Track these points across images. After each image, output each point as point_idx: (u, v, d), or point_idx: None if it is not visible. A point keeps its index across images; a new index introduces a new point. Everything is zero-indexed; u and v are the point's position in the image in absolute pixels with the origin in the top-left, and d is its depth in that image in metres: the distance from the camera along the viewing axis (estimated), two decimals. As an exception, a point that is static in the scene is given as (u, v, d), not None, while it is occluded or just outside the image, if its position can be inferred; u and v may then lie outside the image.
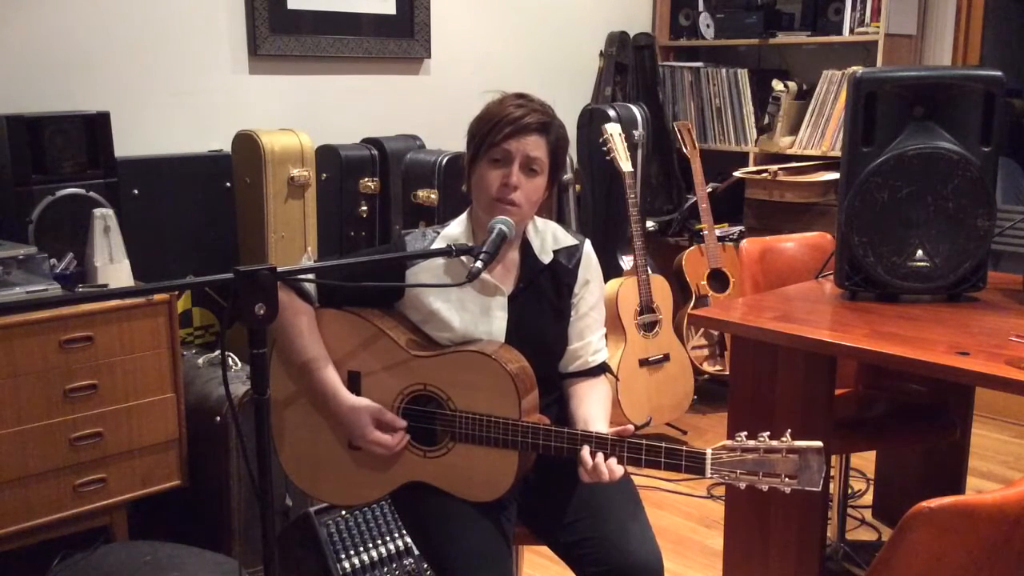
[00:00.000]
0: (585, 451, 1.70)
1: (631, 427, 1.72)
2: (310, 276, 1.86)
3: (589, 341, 1.96)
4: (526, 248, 1.92)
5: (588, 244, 1.98)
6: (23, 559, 2.44)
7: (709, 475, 1.62)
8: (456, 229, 1.91)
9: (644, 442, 1.68)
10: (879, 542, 3.01)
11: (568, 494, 1.86)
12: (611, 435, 1.71)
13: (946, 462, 2.82)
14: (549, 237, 1.95)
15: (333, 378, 1.84)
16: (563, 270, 1.93)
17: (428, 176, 3.22)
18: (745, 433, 1.60)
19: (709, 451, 1.62)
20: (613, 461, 1.69)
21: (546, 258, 1.92)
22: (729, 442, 1.61)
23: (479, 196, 1.84)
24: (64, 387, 2.32)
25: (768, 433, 1.59)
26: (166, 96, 3.04)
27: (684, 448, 1.64)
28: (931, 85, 2.26)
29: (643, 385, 3.60)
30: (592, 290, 1.96)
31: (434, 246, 1.88)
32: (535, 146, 1.80)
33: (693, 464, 1.63)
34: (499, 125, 1.79)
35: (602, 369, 1.98)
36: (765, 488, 1.59)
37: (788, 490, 1.58)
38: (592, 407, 1.87)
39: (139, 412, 2.46)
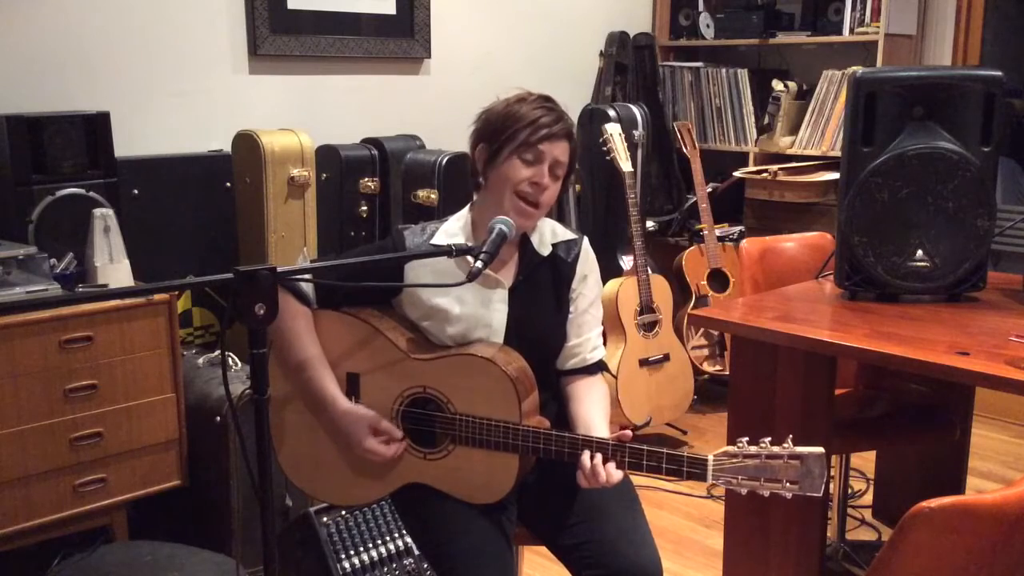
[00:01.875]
0: (585, 455, 1.70)
1: (629, 432, 1.71)
2: (309, 276, 1.86)
3: (588, 338, 1.96)
4: (525, 242, 1.92)
5: (586, 240, 1.99)
6: (23, 559, 2.44)
7: (711, 481, 1.62)
8: (456, 225, 1.91)
9: (645, 447, 1.67)
10: (879, 542, 3.01)
11: (567, 497, 1.86)
12: (612, 440, 1.71)
13: (946, 462, 2.82)
14: (548, 231, 1.95)
15: (329, 382, 1.84)
16: (562, 263, 1.94)
17: (428, 176, 3.21)
18: (747, 439, 1.60)
19: (711, 457, 1.62)
20: (612, 466, 1.69)
21: (545, 251, 1.93)
22: (731, 448, 1.61)
23: (501, 189, 1.84)
24: (64, 387, 2.32)
25: (770, 439, 1.59)
26: (166, 96, 3.04)
27: (686, 454, 1.64)
28: (931, 85, 2.26)
29: (643, 385, 3.60)
30: (590, 286, 1.97)
31: (433, 241, 1.89)
32: (563, 152, 1.84)
33: (695, 470, 1.63)
34: (535, 126, 1.81)
35: (600, 367, 1.99)
36: (767, 494, 1.59)
37: (790, 496, 1.58)
38: (592, 410, 1.87)
39: (139, 412, 2.46)
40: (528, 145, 1.81)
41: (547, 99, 1.87)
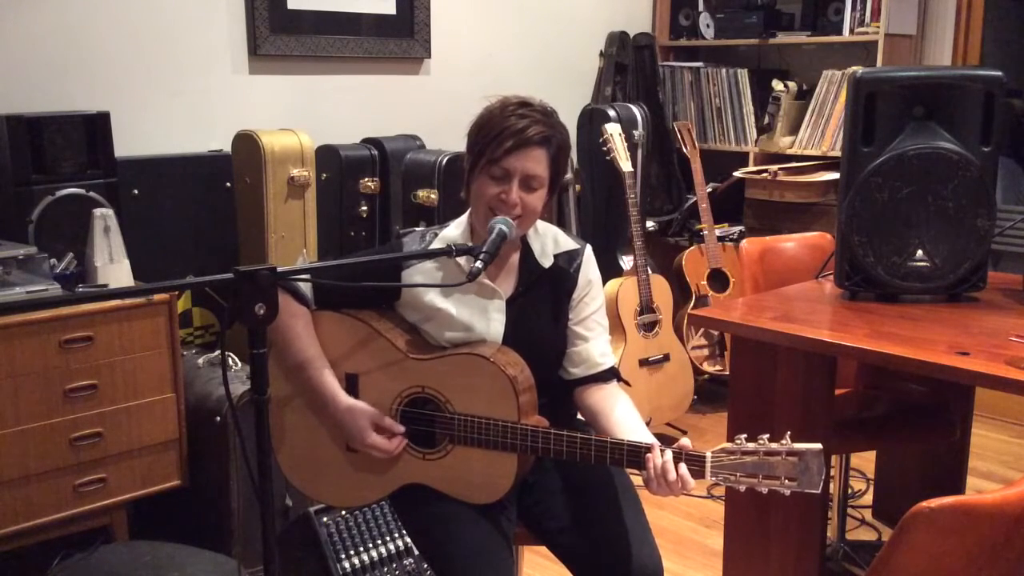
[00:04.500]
0: (652, 457, 1.63)
1: (687, 442, 1.66)
2: (308, 276, 1.86)
3: (595, 343, 1.92)
4: (527, 251, 1.91)
5: (589, 249, 1.96)
6: (23, 559, 2.44)
7: (709, 478, 1.62)
8: (455, 231, 1.90)
9: (644, 444, 1.67)
10: (879, 542, 3.01)
11: (567, 497, 1.86)
12: (611, 440, 1.71)
13: (946, 462, 2.82)
14: (550, 241, 1.93)
15: (330, 380, 1.84)
16: (563, 274, 1.91)
17: (428, 176, 3.22)
18: (745, 436, 1.60)
19: (709, 454, 1.62)
20: (683, 466, 1.62)
21: (546, 262, 1.91)
22: (729, 445, 1.61)
23: (477, 208, 1.83)
24: (64, 387, 2.32)
25: (768, 435, 1.59)
26: (166, 96, 3.04)
27: (684, 451, 1.64)
28: (931, 85, 2.26)
29: (643, 385, 3.60)
30: (594, 295, 1.94)
31: (432, 247, 1.87)
32: (536, 162, 1.77)
33: (693, 467, 1.63)
34: (500, 139, 1.75)
35: (613, 373, 1.94)
36: (765, 491, 1.59)
37: (788, 492, 1.58)
38: (626, 418, 1.82)
39: (139, 412, 2.46)
40: (493, 161, 1.76)
41: (524, 104, 1.80)
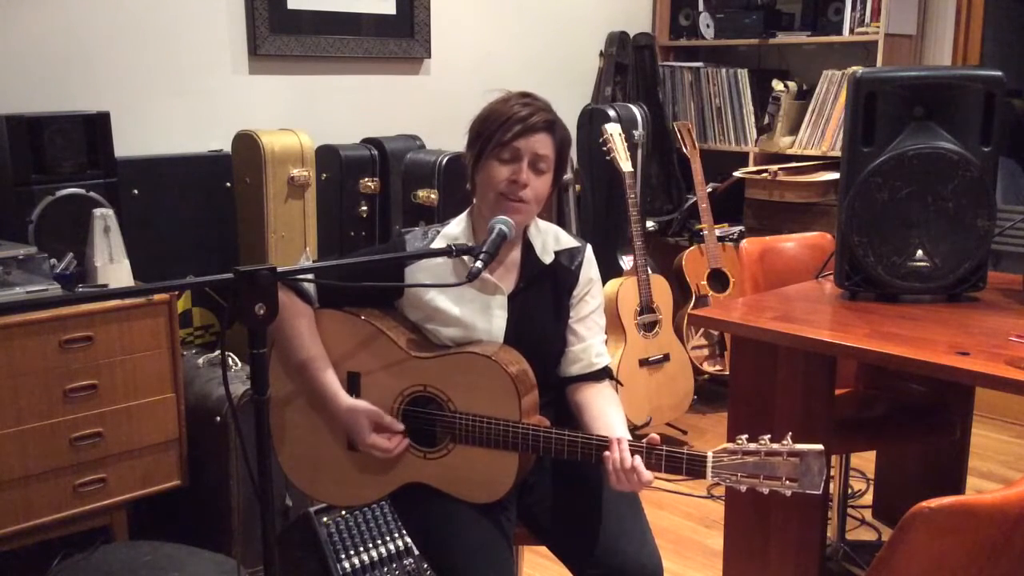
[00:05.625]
0: (613, 453, 1.65)
1: (657, 436, 1.68)
2: (310, 276, 1.86)
3: (591, 343, 1.94)
4: (528, 248, 1.91)
5: (589, 248, 1.98)
6: (23, 559, 2.44)
7: (710, 478, 1.62)
8: (456, 228, 1.91)
9: (645, 444, 1.67)
10: (879, 542, 3.01)
11: (567, 496, 1.86)
12: (610, 438, 1.71)
13: (946, 462, 2.82)
14: (551, 238, 1.94)
15: (332, 379, 1.84)
16: (564, 271, 1.92)
17: (428, 176, 3.22)
18: (746, 436, 1.60)
19: (710, 454, 1.62)
20: (639, 461, 1.64)
21: (547, 259, 1.91)
22: (730, 445, 1.61)
23: (485, 193, 1.84)
24: (64, 387, 2.32)
25: (769, 436, 1.59)
26: (166, 96, 3.04)
27: (685, 451, 1.64)
28: (931, 85, 2.26)
29: (643, 385, 3.60)
30: (594, 293, 1.96)
31: (434, 245, 1.88)
32: (543, 144, 1.81)
33: (694, 467, 1.63)
34: (508, 123, 1.79)
35: (606, 373, 1.95)
36: (766, 491, 1.59)
37: (789, 493, 1.58)
38: (607, 412, 1.83)
39: (139, 412, 2.46)
40: (503, 144, 1.80)
41: (526, 95, 1.86)
